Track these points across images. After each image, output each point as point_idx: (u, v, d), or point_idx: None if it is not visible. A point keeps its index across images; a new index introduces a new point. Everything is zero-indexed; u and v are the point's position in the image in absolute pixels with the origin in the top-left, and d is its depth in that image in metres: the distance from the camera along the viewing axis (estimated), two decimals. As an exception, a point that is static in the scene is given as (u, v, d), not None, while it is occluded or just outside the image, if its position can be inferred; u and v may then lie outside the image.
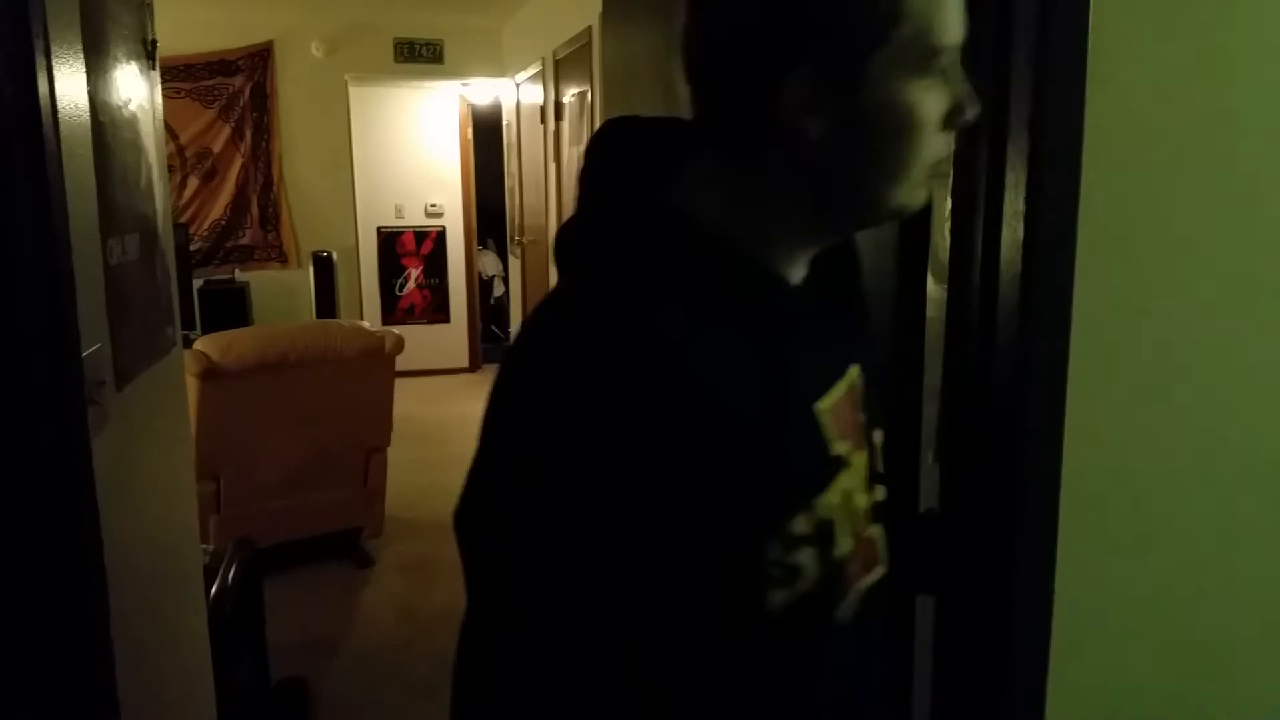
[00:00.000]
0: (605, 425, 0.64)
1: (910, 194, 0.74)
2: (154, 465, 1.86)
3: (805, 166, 0.72)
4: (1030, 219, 1.08)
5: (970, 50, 1.14)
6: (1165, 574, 1.21)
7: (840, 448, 0.77)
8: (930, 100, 0.71)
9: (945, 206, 1.23)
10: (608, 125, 0.85)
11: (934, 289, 1.34)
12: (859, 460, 0.80)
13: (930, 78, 0.70)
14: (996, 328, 1.13)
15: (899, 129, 0.71)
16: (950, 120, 0.73)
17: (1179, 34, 1.12)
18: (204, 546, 2.48)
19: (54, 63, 1.22)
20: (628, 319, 0.67)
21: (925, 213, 1.27)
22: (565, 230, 0.77)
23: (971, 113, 0.73)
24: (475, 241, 8.21)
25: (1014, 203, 1.10)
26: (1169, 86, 1.13)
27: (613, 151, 0.83)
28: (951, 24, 0.70)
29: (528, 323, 0.74)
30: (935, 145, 0.73)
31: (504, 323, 8.55)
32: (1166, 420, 1.19)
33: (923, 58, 0.69)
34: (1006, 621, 1.15)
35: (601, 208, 0.79)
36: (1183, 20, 1.12)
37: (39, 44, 1.12)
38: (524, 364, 0.71)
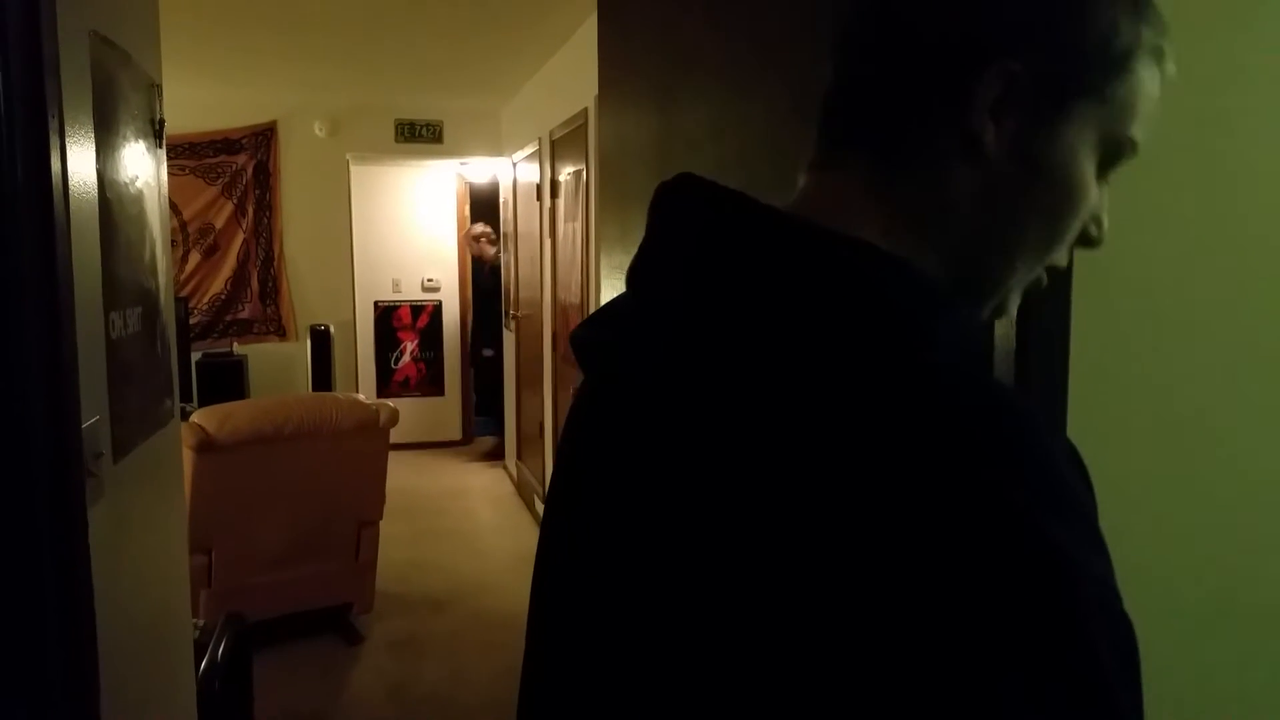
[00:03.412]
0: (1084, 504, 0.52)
1: (1024, 280, 0.66)
2: (148, 538, 1.85)
3: (961, 192, 0.60)
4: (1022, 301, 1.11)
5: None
6: (1182, 670, 1.21)
7: None
8: (1095, 189, 0.63)
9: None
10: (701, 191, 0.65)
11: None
12: None
13: (1102, 168, 0.63)
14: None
15: (1064, 187, 0.61)
16: (1094, 228, 0.66)
17: (1171, 117, 1.16)
18: (194, 621, 2.45)
19: (66, 142, 1.25)
20: (1012, 395, 0.57)
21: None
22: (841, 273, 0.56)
23: (1098, 237, 0.66)
24: (471, 315, 8.27)
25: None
26: (1160, 163, 1.16)
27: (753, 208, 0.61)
28: (1141, 127, 0.62)
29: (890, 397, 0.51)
30: (1070, 245, 0.65)
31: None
32: (1165, 496, 1.20)
33: (1113, 139, 0.62)
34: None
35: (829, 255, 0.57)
36: (1175, 105, 1.16)
37: (54, 124, 1.16)
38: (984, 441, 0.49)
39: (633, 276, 0.69)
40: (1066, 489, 0.50)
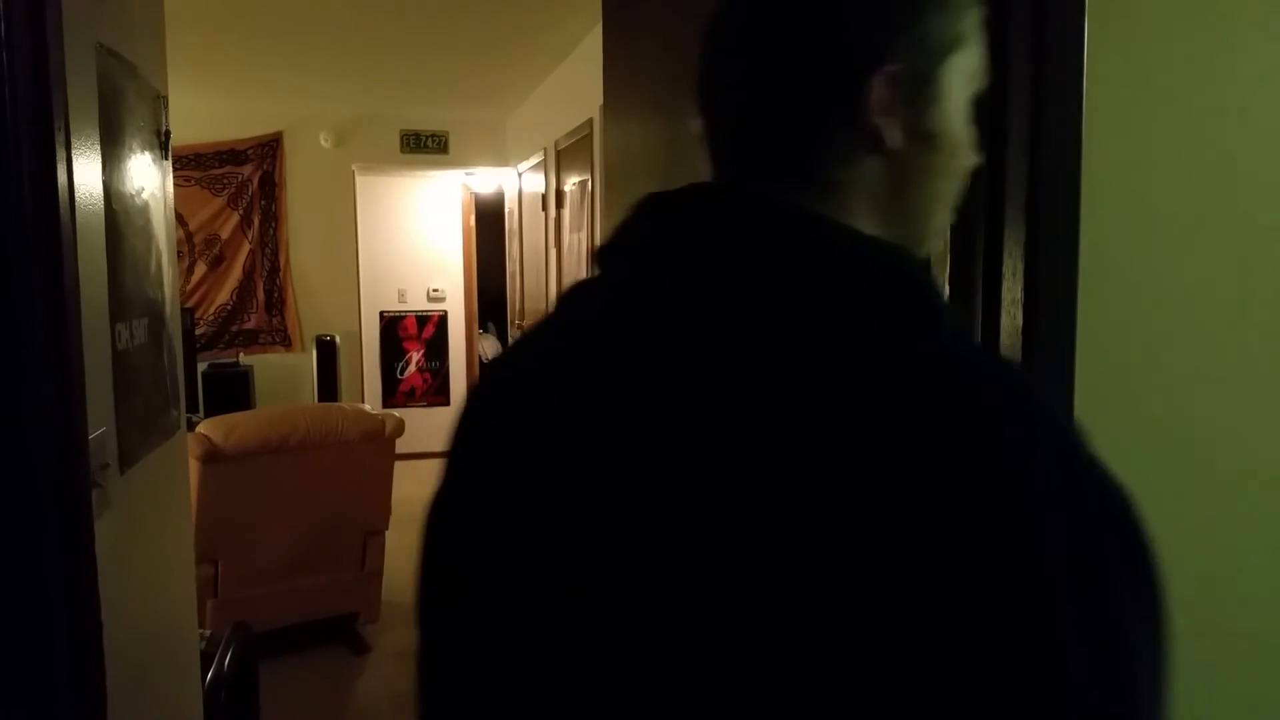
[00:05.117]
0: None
1: (944, 225, 0.74)
2: (155, 548, 1.85)
3: (878, 180, 0.67)
4: (1029, 306, 1.10)
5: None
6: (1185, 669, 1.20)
7: None
8: (970, 129, 0.71)
9: (942, 292, 1.25)
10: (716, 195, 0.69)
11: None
12: None
13: (969, 106, 0.70)
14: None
15: (956, 146, 0.70)
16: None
17: (1177, 128, 1.16)
18: (201, 631, 2.45)
19: (73, 154, 1.25)
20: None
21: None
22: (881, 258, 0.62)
23: (980, 159, 0.74)
24: (476, 325, 8.27)
25: (1012, 290, 1.12)
26: (1165, 174, 1.16)
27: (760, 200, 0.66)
28: (984, 67, 0.71)
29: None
30: (966, 178, 0.73)
31: (504, 406, 8.53)
32: (1175, 506, 1.19)
33: (973, 81, 0.70)
34: None
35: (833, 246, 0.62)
36: (1181, 115, 1.16)
37: (60, 136, 1.16)
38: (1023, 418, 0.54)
39: (618, 262, 0.71)
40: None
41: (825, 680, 0.49)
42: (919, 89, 0.66)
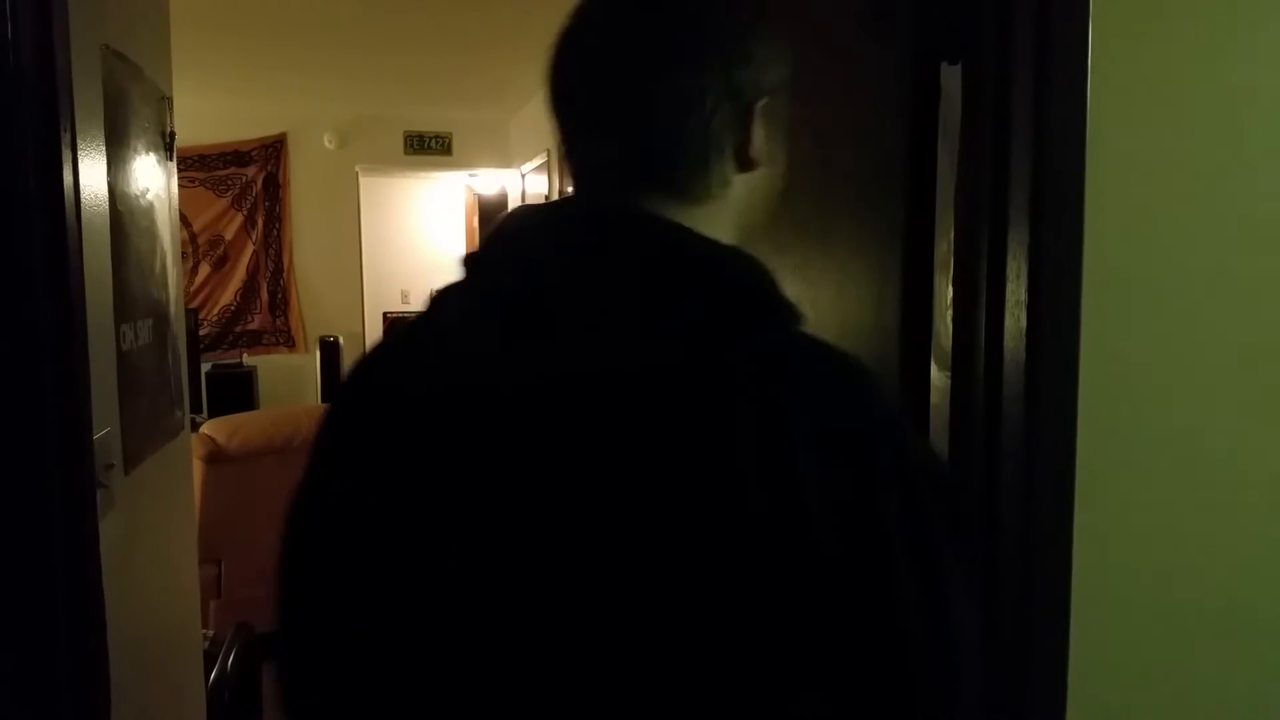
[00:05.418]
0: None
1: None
2: (158, 549, 1.85)
3: (742, 197, 0.80)
4: (1033, 307, 1.10)
5: (971, 140, 1.18)
6: (1186, 672, 1.20)
7: None
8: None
9: (946, 294, 1.25)
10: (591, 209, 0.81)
11: (937, 376, 1.35)
12: None
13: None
14: (1002, 415, 1.14)
15: (783, 171, 0.84)
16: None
17: (1181, 128, 1.16)
18: (204, 632, 2.45)
19: (78, 155, 1.25)
20: None
21: (927, 300, 1.29)
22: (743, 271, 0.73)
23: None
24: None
25: (1016, 292, 1.12)
26: (1169, 175, 1.16)
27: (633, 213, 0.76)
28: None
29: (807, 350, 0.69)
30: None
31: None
32: (1178, 507, 1.19)
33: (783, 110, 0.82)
34: None
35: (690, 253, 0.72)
36: (1185, 115, 1.15)
37: (66, 137, 1.16)
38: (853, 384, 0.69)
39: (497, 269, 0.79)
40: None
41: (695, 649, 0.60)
42: (775, 120, 0.79)
